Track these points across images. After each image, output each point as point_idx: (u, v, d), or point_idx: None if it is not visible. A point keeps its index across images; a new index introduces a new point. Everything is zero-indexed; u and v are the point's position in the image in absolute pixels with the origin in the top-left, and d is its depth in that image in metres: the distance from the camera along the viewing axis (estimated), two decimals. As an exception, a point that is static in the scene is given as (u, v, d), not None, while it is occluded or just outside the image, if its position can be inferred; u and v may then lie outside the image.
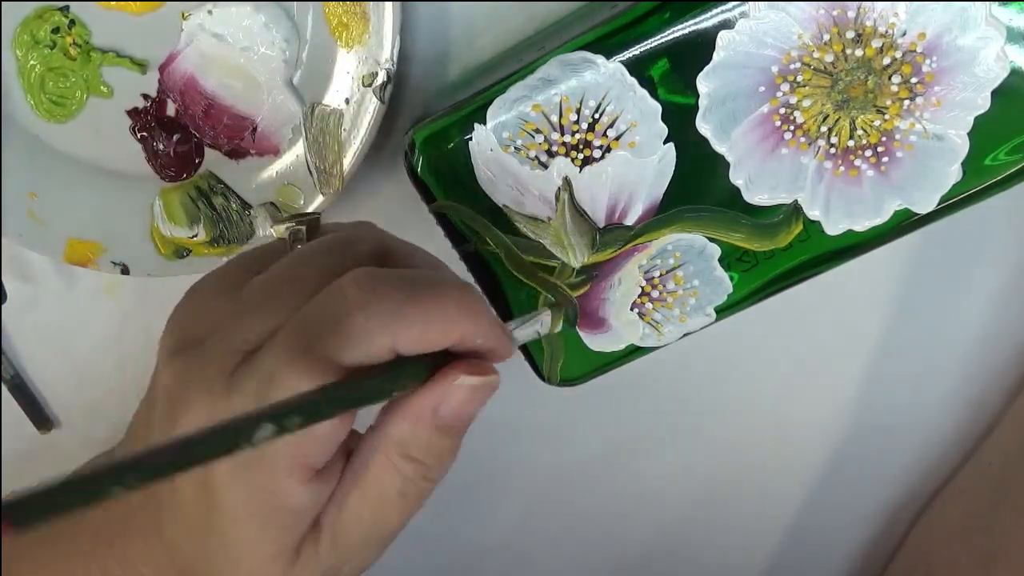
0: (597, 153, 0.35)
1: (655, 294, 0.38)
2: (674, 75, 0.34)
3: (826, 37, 0.33)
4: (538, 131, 0.35)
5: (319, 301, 0.27)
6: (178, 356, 0.28)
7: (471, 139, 0.35)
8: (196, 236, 0.40)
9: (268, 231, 0.39)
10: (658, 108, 0.35)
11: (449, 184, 0.36)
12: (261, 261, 0.30)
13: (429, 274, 0.30)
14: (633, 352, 0.39)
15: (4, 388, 0.44)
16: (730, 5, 0.33)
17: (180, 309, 0.30)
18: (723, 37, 0.33)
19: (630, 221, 0.36)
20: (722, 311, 0.38)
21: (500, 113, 0.35)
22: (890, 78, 0.33)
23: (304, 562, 0.28)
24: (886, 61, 0.33)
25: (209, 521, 0.27)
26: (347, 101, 0.38)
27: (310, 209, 0.39)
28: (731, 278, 0.37)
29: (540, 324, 0.31)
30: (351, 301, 0.26)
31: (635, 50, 0.34)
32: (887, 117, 0.34)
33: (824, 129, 0.34)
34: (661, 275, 0.37)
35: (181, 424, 0.27)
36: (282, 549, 0.28)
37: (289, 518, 0.27)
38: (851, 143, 0.35)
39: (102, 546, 0.31)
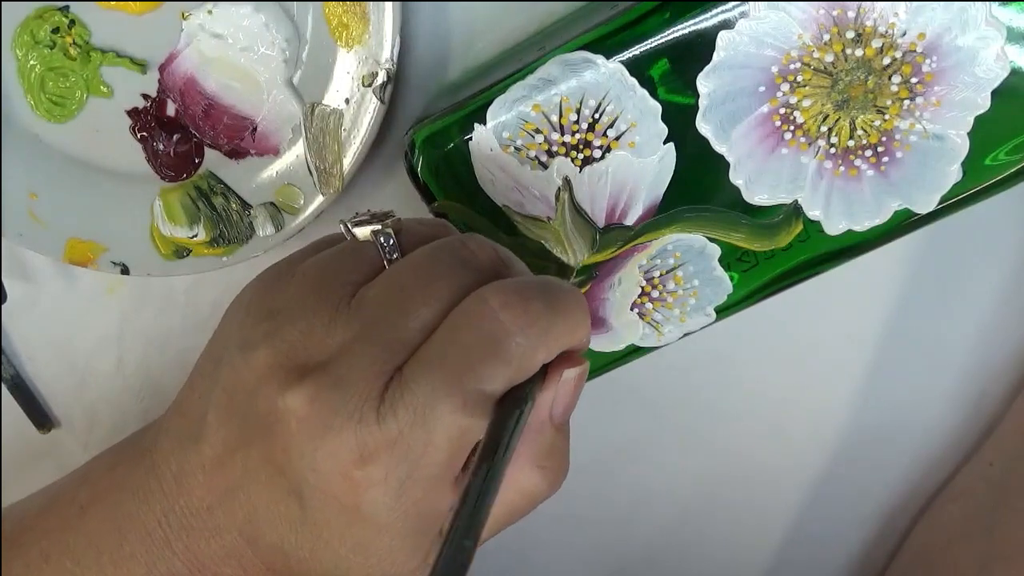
0: (597, 153, 0.35)
1: (655, 294, 0.38)
2: (674, 75, 0.34)
3: (826, 37, 0.33)
4: (538, 131, 0.35)
5: (467, 323, 0.27)
6: (306, 382, 0.27)
7: (471, 139, 0.35)
8: (196, 236, 0.40)
9: (268, 231, 0.39)
10: (658, 108, 0.35)
11: (449, 184, 0.36)
12: (355, 269, 0.29)
13: (552, 280, 0.30)
14: (633, 352, 0.39)
15: (4, 388, 0.44)
16: (730, 5, 0.33)
17: (276, 325, 0.29)
18: (723, 37, 0.33)
19: (630, 221, 0.36)
20: (722, 311, 0.38)
21: (500, 113, 0.35)
22: (890, 78, 0.33)
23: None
24: (886, 61, 0.33)
25: (347, 532, 0.28)
26: (347, 101, 0.38)
27: (309, 210, 0.39)
28: (731, 278, 0.37)
29: None
30: (507, 324, 0.27)
31: (635, 50, 0.34)
32: (887, 117, 0.34)
33: (824, 129, 0.34)
34: (661, 275, 0.37)
35: (325, 450, 0.27)
36: (421, 554, 0.29)
37: (434, 525, 0.28)
38: (851, 143, 0.35)
39: (159, 547, 0.31)
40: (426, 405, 0.26)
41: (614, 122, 0.35)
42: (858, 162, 0.35)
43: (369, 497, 0.27)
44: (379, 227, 0.30)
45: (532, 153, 0.35)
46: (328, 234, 0.33)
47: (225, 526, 0.30)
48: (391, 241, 0.30)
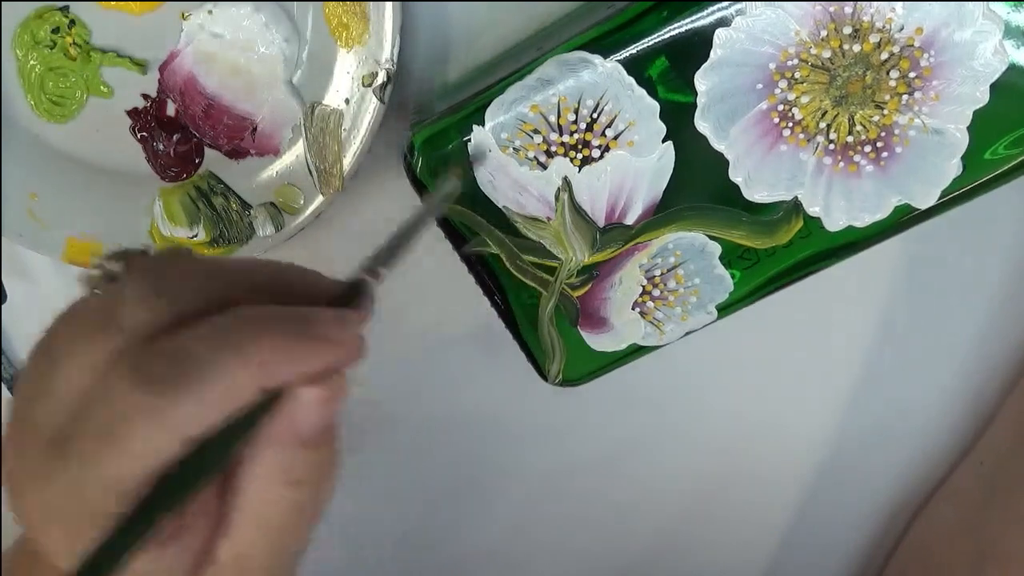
0: (596, 153, 0.35)
1: (656, 293, 0.38)
2: (672, 73, 0.34)
3: (823, 33, 0.33)
4: (536, 131, 0.35)
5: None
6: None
7: (470, 140, 0.35)
8: (196, 236, 0.40)
9: (268, 231, 0.39)
10: (656, 107, 0.35)
11: (449, 184, 0.36)
12: None
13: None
14: (635, 351, 0.39)
15: (4, 388, 0.44)
16: (727, 3, 0.33)
17: None
18: (720, 35, 0.34)
19: (630, 220, 0.36)
20: (724, 309, 0.38)
21: (498, 114, 0.35)
22: (888, 73, 0.33)
23: None
24: (884, 56, 0.33)
25: None
26: (347, 101, 0.38)
27: (309, 210, 0.39)
28: (732, 276, 0.37)
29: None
30: None
31: (633, 49, 0.34)
32: (886, 112, 0.34)
33: (823, 125, 0.34)
34: (662, 274, 0.37)
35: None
36: None
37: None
38: (850, 139, 0.35)
39: None
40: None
41: (612, 121, 0.35)
42: (857, 158, 0.35)
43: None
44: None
45: (531, 153, 0.35)
46: None
47: None
48: None
